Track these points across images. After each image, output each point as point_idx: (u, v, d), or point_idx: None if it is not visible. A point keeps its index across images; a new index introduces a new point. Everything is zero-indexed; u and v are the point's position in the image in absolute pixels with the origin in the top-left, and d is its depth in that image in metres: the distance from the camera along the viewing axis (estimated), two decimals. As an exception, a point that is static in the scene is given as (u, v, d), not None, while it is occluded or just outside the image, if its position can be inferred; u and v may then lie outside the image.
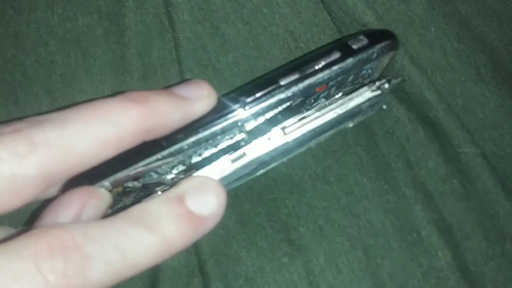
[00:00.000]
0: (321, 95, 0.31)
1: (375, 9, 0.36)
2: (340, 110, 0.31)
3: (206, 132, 0.27)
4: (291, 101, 0.29)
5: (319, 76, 0.28)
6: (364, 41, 0.29)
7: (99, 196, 0.26)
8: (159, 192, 0.28)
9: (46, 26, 0.36)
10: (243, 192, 0.37)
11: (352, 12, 0.36)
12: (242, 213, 0.36)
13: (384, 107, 0.33)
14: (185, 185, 0.25)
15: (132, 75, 0.36)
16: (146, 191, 0.30)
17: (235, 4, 0.37)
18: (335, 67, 0.29)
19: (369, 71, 0.32)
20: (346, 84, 0.31)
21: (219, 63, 0.37)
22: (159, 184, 0.29)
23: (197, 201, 0.24)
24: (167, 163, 0.28)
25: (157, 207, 0.23)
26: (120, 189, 0.29)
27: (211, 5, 0.37)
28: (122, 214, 0.23)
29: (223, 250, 0.35)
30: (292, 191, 0.36)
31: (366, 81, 0.32)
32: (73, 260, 0.20)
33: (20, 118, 0.32)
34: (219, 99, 0.28)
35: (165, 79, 0.37)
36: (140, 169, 0.27)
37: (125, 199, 0.30)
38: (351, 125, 0.32)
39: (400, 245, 0.34)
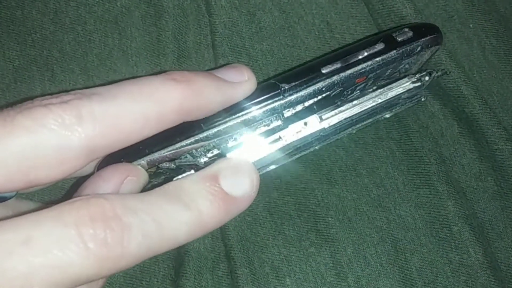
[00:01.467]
0: (358, 87, 0.30)
1: (413, 2, 0.36)
2: (379, 100, 0.30)
3: (245, 117, 0.27)
4: (331, 90, 0.29)
5: (362, 66, 0.28)
6: (409, 34, 0.29)
7: (137, 173, 0.26)
8: (193, 171, 0.28)
9: (85, 5, 0.36)
10: (272, 181, 0.36)
11: (390, 4, 0.36)
12: (270, 201, 0.35)
13: (423, 99, 0.32)
14: (220, 165, 0.25)
15: (167, 58, 0.36)
16: (177, 173, 0.30)
17: (273, -8, 0.37)
18: (378, 59, 0.28)
19: (407, 65, 0.31)
20: (383, 78, 0.31)
21: (254, 50, 0.37)
22: (192, 166, 0.29)
23: (231, 182, 0.24)
24: (204, 145, 0.28)
25: (193, 185, 0.24)
26: (153, 169, 0.29)
27: (249, -9, 0.37)
28: (159, 190, 0.23)
29: (250, 237, 0.35)
30: (322, 181, 0.35)
31: (402, 76, 0.32)
32: (113, 229, 0.20)
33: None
34: (259, 85, 0.28)
35: (199, 63, 0.37)
36: (177, 150, 0.27)
37: (154, 180, 0.30)
38: (388, 115, 0.32)
39: (430, 240, 0.33)
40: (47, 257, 0.19)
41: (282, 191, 0.36)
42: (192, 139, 0.27)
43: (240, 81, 0.27)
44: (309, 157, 0.37)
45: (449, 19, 0.37)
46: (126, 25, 0.36)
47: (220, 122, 0.27)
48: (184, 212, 0.22)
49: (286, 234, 0.34)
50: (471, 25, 0.37)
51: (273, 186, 0.36)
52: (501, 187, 0.34)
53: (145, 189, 0.29)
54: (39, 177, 0.21)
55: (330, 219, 0.34)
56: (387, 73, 0.31)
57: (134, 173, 0.26)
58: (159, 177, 0.31)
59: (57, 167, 0.21)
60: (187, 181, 0.24)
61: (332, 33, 0.37)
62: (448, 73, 0.33)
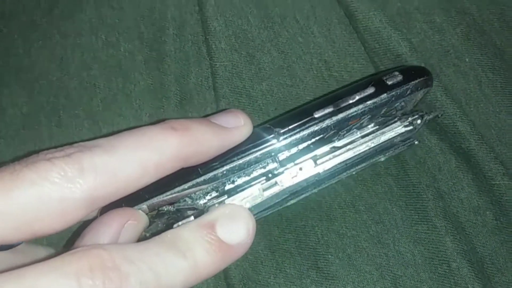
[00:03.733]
0: (354, 127, 0.31)
1: (409, 40, 0.36)
2: (372, 144, 0.31)
3: (241, 161, 0.29)
4: (324, 133, 0.30)
5: (353, 110, 0.29)
6: (399, 77, 0.30)
7: (138, 218, 0.27)
8: (192, 217, 0.29)
9: (90, 51, 0.38)
10: (273, 219, 0.37)
11: (386, 43, 0.36)
12: (272, 239, 0.36)
13: (416, 142, 0.33)
14: (217, 213, 0.26)
15: (170, 101, 0.38)
16: (178, 214, 0.31)
17: (271, 33, 0.38)
18: (369, 102, 0.29)
19: (403, 103, 0.32)
20: (379, 116, 0.32)
21: (254, 91, 0.38)
22: (192, 208, 0.30)
23: (228, 230, 0.25)
24: (202, 189, 0.29)
25: (189, 233, 0.24)
26: (155, 212, 0.30)
27: (248, 33, 0.38)
28: (157, 238, 0.24)
29: (252, 275, 0.35)
30: (322, 218, 0.36)
31: (398, 113, 0.33)
32: (111, 279, 0.21)
33: (62, 139, 0.34)
34: (254, 129, 0.29)
35: (201, 105, 0.38)
36: (176, 195, 0.28)
37: (158, 221, 0.31)
38: (382, 159, 0.33)
39: (430, 277, 0.34)
40: None
41: (283, 229, 0.36)
42: (190, 184, 0.28)
43: (237, 126, 0.28)
44: (309, 194, 0.38)
45: (445, 53, 0.38)
46: (129, 70, 0.38)
47: (217, 167, 0.28)
48: (181, 261, 0.23)
49: (287, 272, 0.35)
50: (467, 59, 0.38)
51: (274, 223, 0.37)
52: (500, 221, 0.34)
53: (150, 229, 0.31)
54: (43, 228, 0.22)
55: (330, 256, 0.35)
56: (382, 111, 0.31)
57: (135, 218, 0.27)
58: (162, 217, 0.32)
59: (60, 218, 0.23)
60: (185, 230, 0.25)
61: (330, 71, 0.38)
62: (439, 116, 0.34)
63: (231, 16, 0.38)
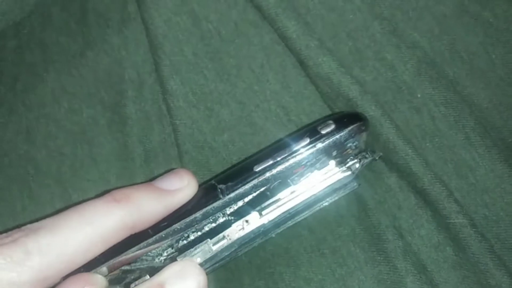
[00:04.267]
0: (296, 175, 0.33)
1: (359, 84, 0.37)
2: (311, 192, 0.33)
3: (188, 219, 0.31)
4: (267, 185, 0.31)
5: (291, 161, 0.31)
6: (332, 126, 0.32)
7: (94, 282, 0.28)
8: (147, 276, 0.31)
9: (54, 120, 0.39)
10: (243, 266, 0.38)
11: (337, 88, 0.37)
12: (242, 287, 0.37)
13: (356, 185, 0.34)
14: (166, 273, 0.27)
15: (135, 161, 0.39)
16: (137, 273, 0.33)
17: (228, 85, 0.39)
18: (304, 152, 0.31)
19: (350, 145, 0.33)
20: (323, 160, 0.33)
21: (215, 143, 0.39)
22: (148, 268, 0.32)
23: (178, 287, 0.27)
24: (156, 248, 0.31)
25: None
26: (116, 272, 0.31)
27: (205, 88, 0.39)
28: None
29: (226, 324, 0.37)
30: (289, 264, 0.37)
31: (353, 152, 0.34)
32: None
33: (35, 210, 0.35)
34: (200, 187, 0.31)
35: (166, 161, 0.40)
36: (131, 255, 0.30)
37: (129, 275, 0.33)
38: (326, 204, 0.34)
39: (395, 317, 0.35)
40: None
41: (253, 276, 0.38)
42: (142, 245, 0.30)
43: (180, 188, 0.30)
44: (276, 239, 0.39)
45: (398, 90, 0.38)
46: (94, 135, 0.39)
47: (166, 226, 0.30)
48: None
49: (259, 320, 0.36)
50: (419, 95, 0.38)
51: (244, 271, 0.38)
52: (459, 256, 0.35)
53: (125, 283, 0.32)
54: None
55: (298, 303, 0.36)
56: (321, 158, 0.33)
57: (92, 282, 0.28)
58: (131, 272, 0.33)
59: None
60: None
61: (288, 116, 0.39)
62: (377, 158, 0.35)
63: (187, 72, 0.39)
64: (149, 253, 0.32)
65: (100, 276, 0.29)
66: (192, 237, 0.32)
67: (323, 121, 0.32)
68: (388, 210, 0.37)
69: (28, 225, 0.26)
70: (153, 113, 0.39)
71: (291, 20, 0.38)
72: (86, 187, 0.39)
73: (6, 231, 0.25)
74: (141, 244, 0.30)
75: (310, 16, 0.39)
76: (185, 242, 0.32)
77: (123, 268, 0.31)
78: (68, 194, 0.38)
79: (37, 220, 0.26)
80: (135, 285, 0.31)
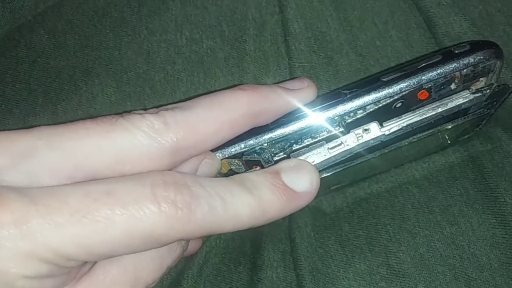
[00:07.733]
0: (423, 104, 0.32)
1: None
2: (439, 109, 0.32)
3: (309, 121, 0.30)
4: (391, 98, 0.31)
5: (419, 76, 0.30)
6: (467, 47, 0.31)
7: (213, 158, 0.30)
8: (258, 168, 0.31)
9: (174, 46, 0.40)
10: (344, 215, 0.37)
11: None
12: (342, 234, 0.36)
13: (487, 111, 0.33)
14: (282, 164, 0.28)
15: (248, 97, 0.39)
16: (247, 168, 0.33)
17: (350, 36, 0.39)
18: (435, 68, 0.30)
19: (486, 72, 0.32)
20: (459, 83, 0.32)
21: None
22: (259, 163, 0.32)
23: (292, 177, 0.27)
24: (271, 145, 0.31)
25: (256, 176, 0.26)
26: (225, 170, 0.32)
27: (327, 36, 0.39)
28: (226, 178, 0.26)
29: (321, 268, 0.35)
30: (394, 217, 0.36)
31: (485, 81, 0.33)
32: (183, 193, 0.23)
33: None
34: (323, 94, 0.31)
35: (277, 102, 0.39)
36: (246, 148, 0.31)
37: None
38: (450, 126, 0.33)
39: (506, 282, 0.33)
40: (125, 208, 0.22)
41: (354, 225, 0.36)
42: (260, 137, 0.31)
43: (301, 88, 0.30)
44: (381, 193, 0.38)
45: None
46: (211, 66, 0.39)
47: (286, 125, 0.30)
48: (247, 195, 0.25)
49: (357, 267, 0.35)
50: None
51: (344, 219, 0.37)
52: None
53: None
54: (132, 170, 0.25)
55: (401, 254, 0.35)
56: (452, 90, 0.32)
57: (210, 157, 0.29)
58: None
59: (147, 162, 0.25)
60: (252, 173, 0.27)
61: None
62: (509, 86, 0.33)
63: (311, 18, 0.39)
64: (262, 155, 0.31)
65: (217, 155, 0.30)
66: (308, 142, 0.32)
67: (457, 44, 0.31)
68: (507, 175, 0.35)
69: (164, 106, 0.27)
70: (271, 54, 0.40)
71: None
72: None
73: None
74: (259, 136, 0.30)
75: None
76: (300, 145, 0.32)
77: (234, 161, 0.32)
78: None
79: None
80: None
